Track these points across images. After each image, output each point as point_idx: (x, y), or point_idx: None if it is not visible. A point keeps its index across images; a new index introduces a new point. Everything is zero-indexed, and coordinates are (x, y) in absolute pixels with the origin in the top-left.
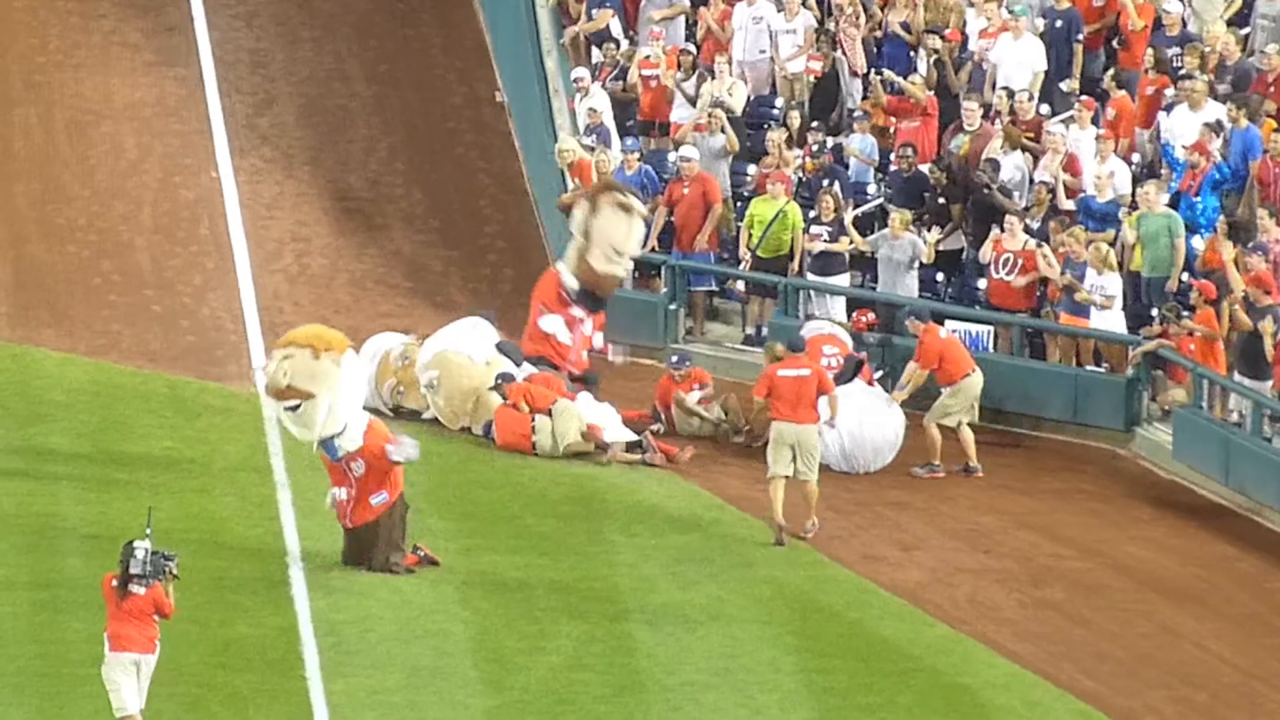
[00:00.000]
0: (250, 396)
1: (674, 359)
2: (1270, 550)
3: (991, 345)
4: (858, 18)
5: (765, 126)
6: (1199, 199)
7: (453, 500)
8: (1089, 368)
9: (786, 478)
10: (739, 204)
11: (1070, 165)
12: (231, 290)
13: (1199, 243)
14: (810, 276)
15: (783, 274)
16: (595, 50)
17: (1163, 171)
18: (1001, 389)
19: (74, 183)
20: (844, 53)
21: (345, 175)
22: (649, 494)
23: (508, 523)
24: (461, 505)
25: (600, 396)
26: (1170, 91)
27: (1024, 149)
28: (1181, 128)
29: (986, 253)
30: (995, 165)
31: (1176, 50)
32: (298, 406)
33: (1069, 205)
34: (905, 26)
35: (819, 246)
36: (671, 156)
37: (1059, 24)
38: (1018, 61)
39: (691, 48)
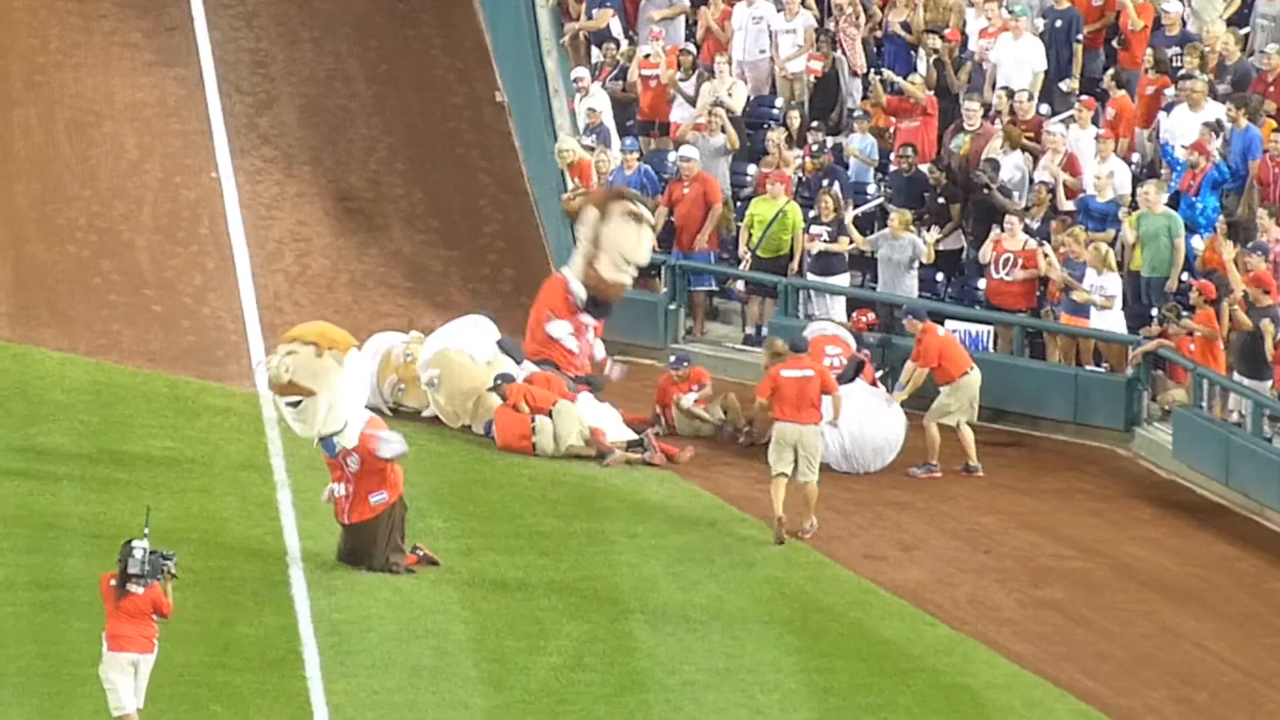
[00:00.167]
0: (251, 396)
1: (673, 359)
2: (1270, 550)
3: (991, 345)
4: (858, 18)
5: (765, 126)
6: (1199, 199)
7: (453, 500)
8: (1089, 368)
9: (788, 477)
10: (739, 204)
11: (1070, 165)
12: (232, 290)
13: (1199, 243)
14: (810, 276)
15: (783, 274)
16: (595, 50)
17: (1162, 171)
18: (1001, 389)
19: (74, 183)
20: (844, 53)
21: (345, 175)
22: (650, 494)
23: (508, 522)
24: (462, 505)
25: (601, 398)
26: (1170, 91)
27: (1024, 149)
28: (1181, 127)
29: (986, 253)
30: (995, 165)
31: (1176, 50)
32: (298, 402)
33: (1069, 205)
34: (905, 26)
35: (819, 246)
36: (671, 156)
37: (1059, 24)
38: (1018, 61)
39: (691, 47)
